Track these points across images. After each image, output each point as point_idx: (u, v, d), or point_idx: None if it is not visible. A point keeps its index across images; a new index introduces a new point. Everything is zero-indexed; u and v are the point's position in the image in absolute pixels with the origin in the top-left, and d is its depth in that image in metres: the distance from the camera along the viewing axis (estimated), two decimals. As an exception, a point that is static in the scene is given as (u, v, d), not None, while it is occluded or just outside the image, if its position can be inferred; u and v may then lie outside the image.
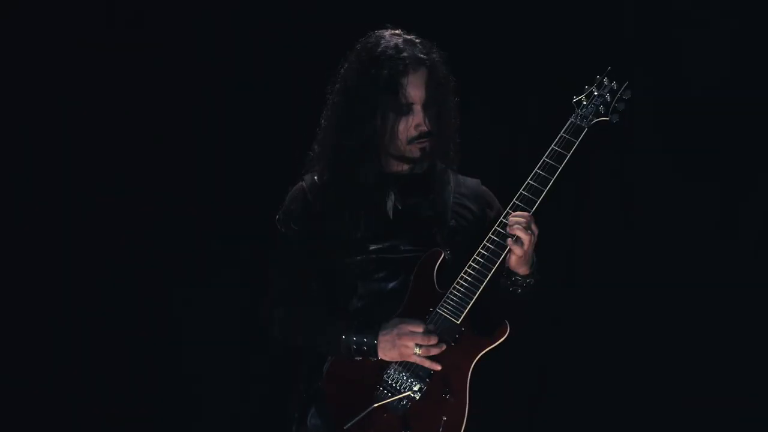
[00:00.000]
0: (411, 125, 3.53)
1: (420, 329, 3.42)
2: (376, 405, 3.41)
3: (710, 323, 4.84)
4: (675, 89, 4.85)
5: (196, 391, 5.00)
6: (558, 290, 4.83)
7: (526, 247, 3.40)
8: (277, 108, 4.91)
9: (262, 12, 4.91)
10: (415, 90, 3.52)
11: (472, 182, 3.69)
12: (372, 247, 3.53)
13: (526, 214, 3.42)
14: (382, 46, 3.52)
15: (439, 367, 3.40)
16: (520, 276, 3.48)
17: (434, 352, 3.41)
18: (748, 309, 4.84)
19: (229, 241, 4.96)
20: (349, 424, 3.39)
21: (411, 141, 3.54)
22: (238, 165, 4.96)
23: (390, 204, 3.56)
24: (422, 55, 3.52)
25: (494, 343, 3.44)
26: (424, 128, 3.53)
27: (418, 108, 3.52)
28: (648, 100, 4.73)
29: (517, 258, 3.43)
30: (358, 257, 3.53)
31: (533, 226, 3.41)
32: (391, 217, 3.56)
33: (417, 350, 3.41)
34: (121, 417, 4.92)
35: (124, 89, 4.90)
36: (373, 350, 3.44)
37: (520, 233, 3.40)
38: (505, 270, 3.46)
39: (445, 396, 3.39)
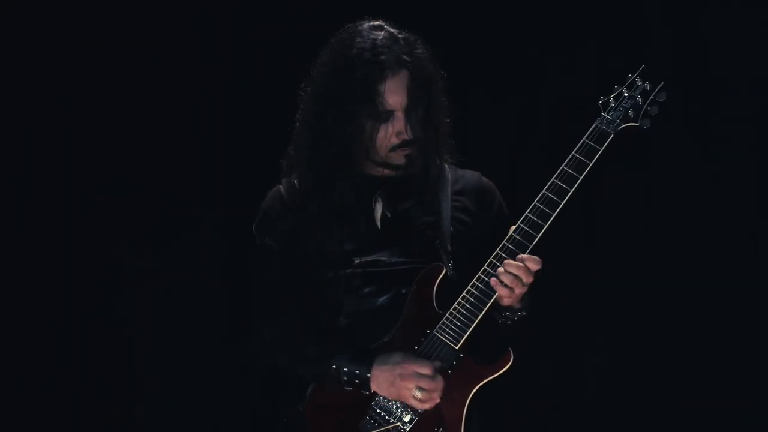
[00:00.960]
0: (392, 133, 3.20)
1: (427, 371, 3.10)
2: None
3: (722, 324, 4.77)
4: (696, 87, 4.71)
5: (176, 406, 4.98)
6: (571, 291, 4.75)
7: (516, 293, 3.10)
8: (277, 108, 4.87)
9: (262, 12, 4.88)
10: (394, 96, 3.18)
11: (471, 176, 3.38)
12: (357, 260, 3.22)
13: (529, 258, 3.09)
14: (358, 46, 3.19)
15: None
16: (509, 311, 3.21)
17: (436, 397, 3.12)
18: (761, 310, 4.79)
19: (228, 242, 4.96)
20: (331, 457, 3.14)
21: (393, 149, 3.22)
22: (238, 165, 4.94)
23: (378, 212, 3.26)
24: (403, 56, 3.18)
25: (495, 373, 3.17)
26: (406, 136, 3.20)
27: (399, 114, 3.20)
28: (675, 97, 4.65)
29: (505, 299, 3.14)
30: (341, 271, 3.23)
31: (530, 270, 3.07)
32: (379, 226, 3.26)
33: (418, 393, 3.11)
34: (121, 417, 4.93)
35: (124, 89, 4.86)
36: (365, 384, 3.14)
37: (509, 281, 3.09)
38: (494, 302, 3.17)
39: (438, 429, 3.14)
